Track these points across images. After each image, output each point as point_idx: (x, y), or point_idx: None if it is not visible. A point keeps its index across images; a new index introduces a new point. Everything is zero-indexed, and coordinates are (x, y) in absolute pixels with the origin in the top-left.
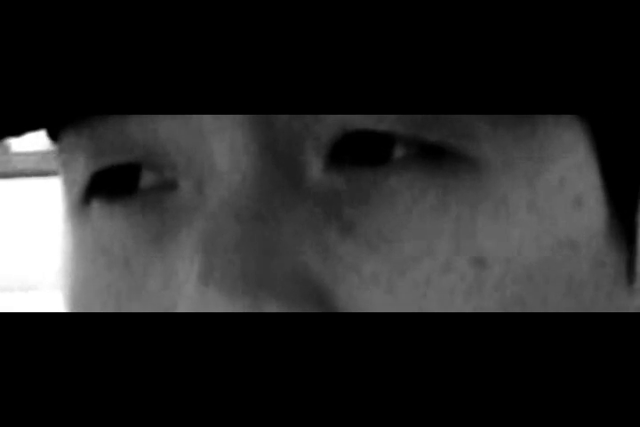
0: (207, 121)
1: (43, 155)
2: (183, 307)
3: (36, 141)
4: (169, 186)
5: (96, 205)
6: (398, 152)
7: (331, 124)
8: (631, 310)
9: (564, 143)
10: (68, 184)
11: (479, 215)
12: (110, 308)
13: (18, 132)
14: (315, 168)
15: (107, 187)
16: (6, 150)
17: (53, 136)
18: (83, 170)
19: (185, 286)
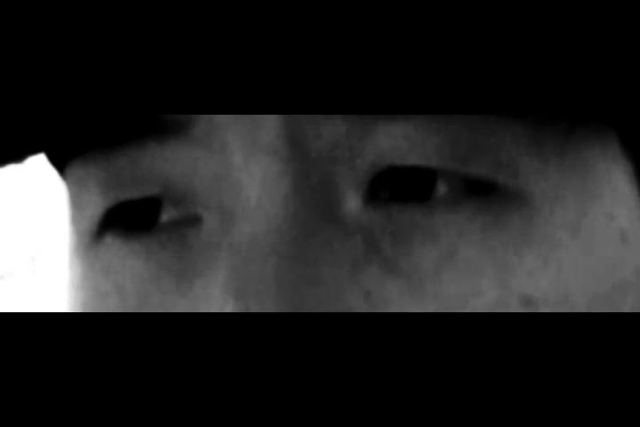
0: (236, 150)
1: None
2: None
3: None
4: (192, 221)
5: (110, 241)
6: (441, 188)
7: (369, 159)
8: None
9: (609, 177)
10: (79, 219)
11: (526, 254)
12: None
13: (20, 158)
14: (352, 204)
15: (122, 222)
16: None
17: (59, 166)
18: (95, 205)
19: None
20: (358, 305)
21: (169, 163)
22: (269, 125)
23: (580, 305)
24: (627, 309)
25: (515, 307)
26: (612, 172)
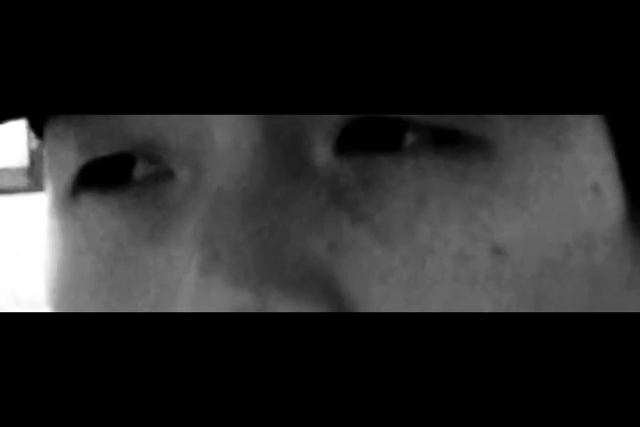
0: None
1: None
2: (184, 300)
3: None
4: (165, 176)
5: (86, 199)
6: (410, 138)
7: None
8: None
9: (581, 130)
10: (55, 177)
11: (495, 203)
12: (101, 306)
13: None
14: (322, 154)
15: (97, 179)
16: None
17: (37, 126)
18: (71, 161)
19: (185, 277)
20: (325, 252)
21: (145, 119)
22: None
23: (550, 255)
24: (593, 261)
25: (484, 255)
26: (583, 124)
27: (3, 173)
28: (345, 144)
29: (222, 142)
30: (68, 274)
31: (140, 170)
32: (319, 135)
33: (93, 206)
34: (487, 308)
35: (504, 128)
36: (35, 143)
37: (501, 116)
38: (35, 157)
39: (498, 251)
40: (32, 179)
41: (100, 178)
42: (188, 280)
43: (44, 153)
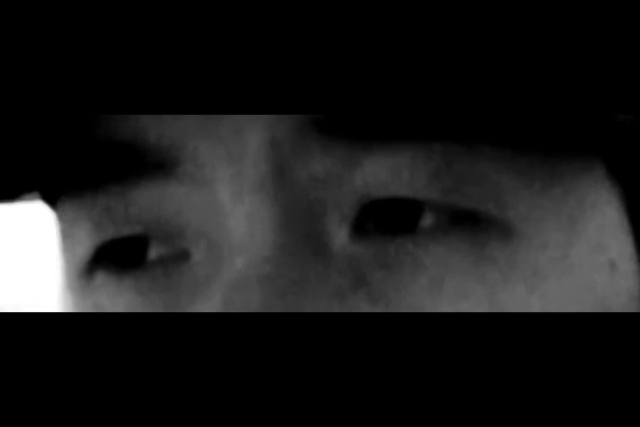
0: (222, 186)
1: None
2: None
3: None
4: (180, 257)
5: (100, 279)
6: (426, 219)
7: (355, 191)
8: None
9: (597, 206)
10: (69, 256)
11: (514, 285)
12: None
13: (11, 197)
14: (339, 237)
15: (112, 259)
16: None
17: (50, 201)
18: (85, 242)
19: None
20: None
21: (156, 200)
22: (254, 160)
23: None
24: None
25: None
26: (600, 201)
27: None
28: (361, 226)
29: (239, 225)
30: None
31: (155, 251)
32: (336, 218)
33: (107, 287)
34: None
35: (522, 209)
36: None
37: (520, 196)
38: None
39: None
40: None
41: (114, 258)
42: None
43: (58, 230)
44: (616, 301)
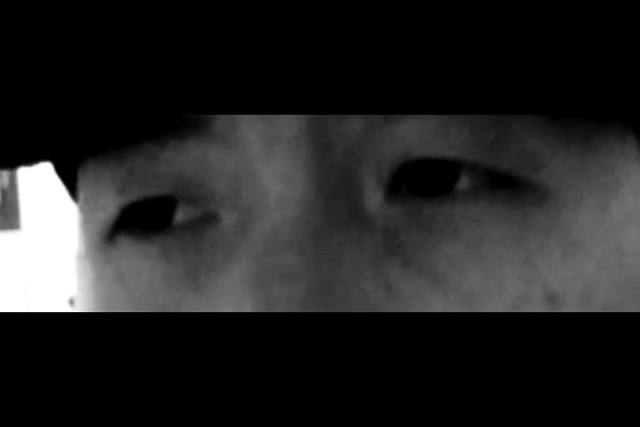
0: (255, 146)
1: None
2: None
3: None
4: (208, 220)
5: (123, 243)
6: (463, 182)
7: (392, 152)
8: None
9: (630, 176)
10: (92, 220)
11: (550, 249)
12: None
13: (32, 161)
14: (374, 199)
15: (137, 222)
16: None
17: (64, 171)
18: (110, 204)
19: None
20: (380, 298)
21: (186, 160)
22: (290, 121)
23: (603, 302)
24: None
25: (539, 304)
26: (631, 171)
27: None
28: (397, 188)
29: (272, 186)
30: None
31: (182, 214)
32: (371, 179)
33: (130, 252)
34: None
35: (558, 173)
36: (6, 181)
37: (558, 161)
38: (6, 195)
39: (553, 300)
40: (3, 217)
41: (139, 221)
42: None
43: (80, 197)
44: None
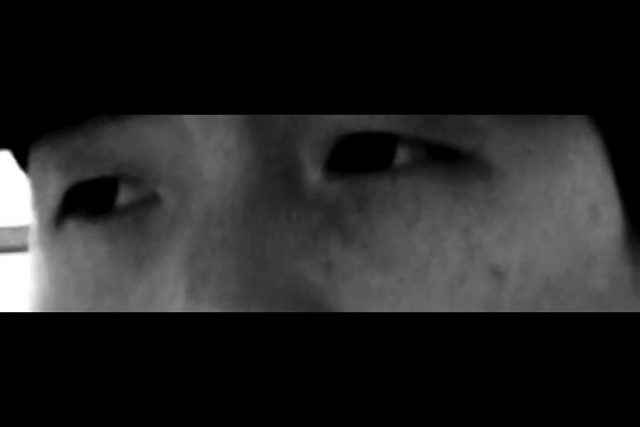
0: (192, 124)
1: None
2: None
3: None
4: (150, 201)
5: (70, 226)
6: (402, 156)
7: (327, 127)
8: None
9: (579, 150)
10: (39, 204)
11: (493, 224)
12: None
13: None
14: (312, 174)
15: (81, 205)
16: None
17: (21, 160)
18: (54, 186)
19: (171, 305)
20: (318, 276)
21: (125, 140)
22: None
23: (548, 277)
24: (593, 283)
25: (482, 277)
26: (582, 144)
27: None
28: (336, 163)
29: (210, 165)
30: (52, 306)
31: (125, 195)
32: (309, 155)
33: (77, 234)
34: None
35: (502, 147)
36: None
37: (500, 133)
38: None
39: (497, 273)
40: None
41: (85, 204)
42: (174, 307)
43: (29, 181)
44: (597, 244)
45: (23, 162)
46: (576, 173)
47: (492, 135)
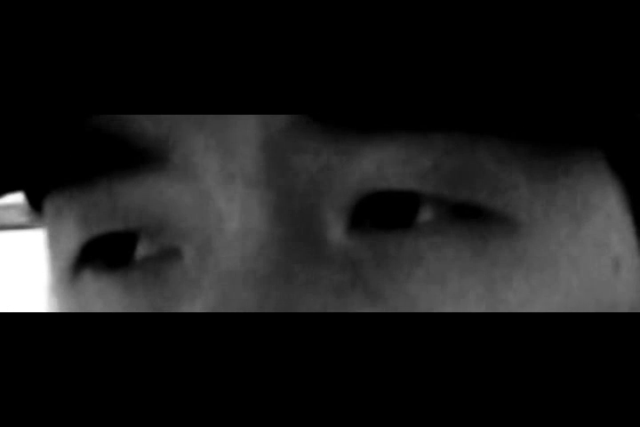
0: (213, 180)
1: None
2: None
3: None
4: (170, 254)
5: (87, 278)
6: (425, 213)
7: (352, 185)
8: None
9: (601, 203)
10: (56, 254)
11: (515, 280)
12: None
13: None
14: (335, 232)
15: (100, 257)
16: None
17: (35, 202)
18: (73, 239)
19: None
20: None
21: (145, 195)
22: (247, 152)
23: None
24: None
25: None
26: (604, 197)
27: (9, 210)
28: (358, 221)
29: (231, 220)
30: None
31: (144, 248)
32: (332, 212)
33: (94, 287)
34: None
35: (527, 203)
36: None
37: (522, 190)
38: None
39: None
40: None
41: (102, 255)
42: None
43: (45, 231)
44: (621, 298)
45: (35, 202)
46: (598, 226)
47: (514, 192)
